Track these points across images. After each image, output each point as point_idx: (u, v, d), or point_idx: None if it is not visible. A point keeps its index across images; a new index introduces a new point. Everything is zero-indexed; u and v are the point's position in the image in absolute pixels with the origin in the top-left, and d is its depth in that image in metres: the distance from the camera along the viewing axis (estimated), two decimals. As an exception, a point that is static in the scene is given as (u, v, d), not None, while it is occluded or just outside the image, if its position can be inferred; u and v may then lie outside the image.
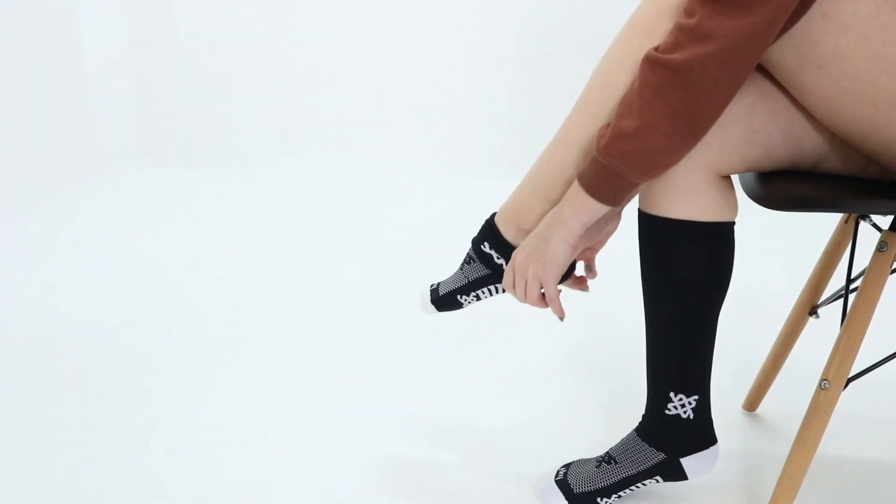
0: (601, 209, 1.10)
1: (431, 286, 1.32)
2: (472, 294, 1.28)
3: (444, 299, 1.30)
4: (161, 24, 3.05)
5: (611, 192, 1.08)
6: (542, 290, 1.19)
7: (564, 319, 1.24)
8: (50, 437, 1.49)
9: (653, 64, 1.01)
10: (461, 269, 1.29)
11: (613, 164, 1.05)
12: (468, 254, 1.29)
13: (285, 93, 3.09)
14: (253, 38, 3.04)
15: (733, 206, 1.17)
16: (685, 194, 1.14)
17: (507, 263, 1.23)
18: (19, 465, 1.42)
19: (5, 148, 2.62)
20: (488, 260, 1.26)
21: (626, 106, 1.04)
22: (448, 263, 2.22)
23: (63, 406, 1.59)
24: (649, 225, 1.18)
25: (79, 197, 2.82)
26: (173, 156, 3.13)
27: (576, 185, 1.11)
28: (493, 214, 1.27)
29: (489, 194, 2.20)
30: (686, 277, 1.17)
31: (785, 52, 1.05)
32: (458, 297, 1.29)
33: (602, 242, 1.25)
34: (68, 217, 2.64)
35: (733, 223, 1.18)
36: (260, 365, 1.75)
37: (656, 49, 1.02)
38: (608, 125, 1.07)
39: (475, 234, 1.29)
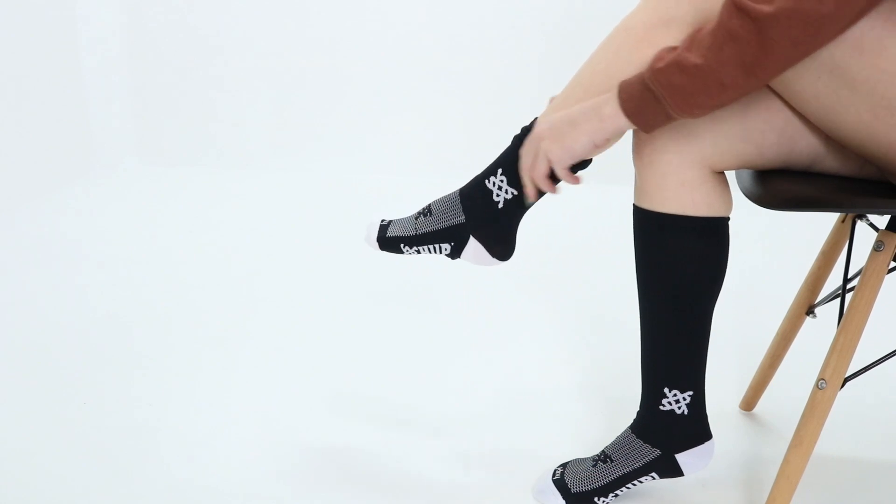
0: (629, 126, 1.08)
1: (382, 221, 1.30)
2: (415, 248, 1.27)
3: (389, 241, 1.28)
4: (158, 21, 3.04)
5: (644, 116, 1.05)
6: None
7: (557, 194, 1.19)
8: (47, 437, 1.49)
9: (738, 9, 0.97)
10: (415, 218, 1.27)
11: (659, 90, 1.02)
12: (428, 207, 1.27)
13: (284, 91, 3.08)
14: (251, 36, 3.04)
15: (727, 201, 1.18)
16: (678, 188, 1.14)
17: (509, 194, 1.21)
18: (18, 464, 1.42)
19: (1, 147, 2.61)
20: (485, 196, 1.21)
21: (696, 42, 1.00)
22: (447, 264, 2.22)
23: (60, 405, 1.59)
24: (643, 219, 1.18)
25: (76, 195, 2.82)
26: (170, 154, 3.12)
27: (614, 94, 1.07)
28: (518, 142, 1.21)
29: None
30: (680, 271, 1.17)
31: None
32: (402, 245, 1.28)
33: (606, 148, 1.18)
34: (65, 215, 2.64)
35: (727, 218, 1.18)
36: (259, 364, 1.75)
37: None
38: (671, 49, 1.04)
39: (466, 182, 1.25)
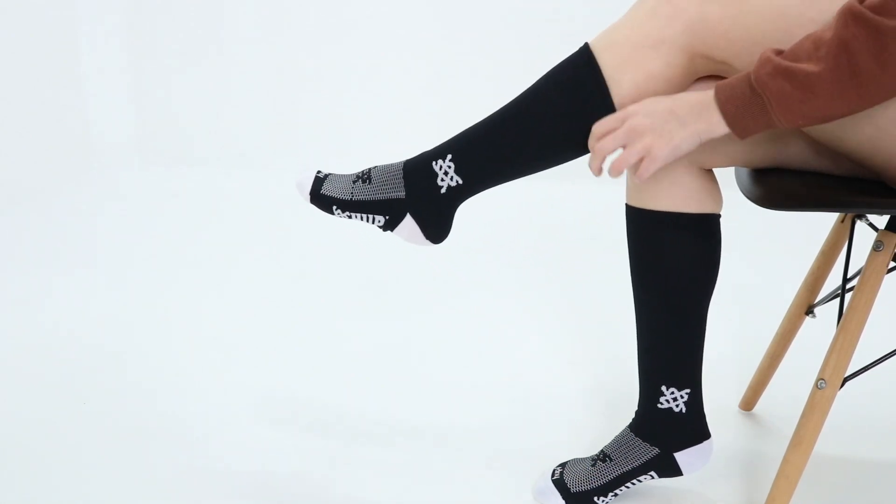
0: (723, 131, 1.02)
1: (318, 174, 1.23)
2: (347, 213, 1.21)
3: (322, 198, 1.21)
4: (158, 21, 3.04)
5: (744, 122, 1.00)
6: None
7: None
8: (47, 437, 1.49)
9: (857, 19, 0.92)
10: (352, 182, 1.21)
11: (767, 96, 0.97)
12: (368, 173, 1.21)
13: (283, 91, 3.08)
14: (251, 36, 3.04)
15: (717, 199, 1.19)
16: (669, 186, 1.15)
17: (454, 181, 1.16)
18: (18, 464, 1.42)
19: (1, 147, 2.61)
20: (429, 178, 1.17)
21: (808, 49, 0.96)
22: (447, 262, 2.22)
23: (60, 405, 1.59)
24: (635, 218, 1.19)
25: (75, 195, 2.82)
26: (170, 154, 3.12)
27: (710, 98, 1.02)
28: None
29: (488, 194, 2.19)
30: (673, 268, 1.18)
31: None
32: (334, 206, 1.21)
33: None
34: (65, 215, 2.64)
35: (718, 216, 1.19)
36: (259, 364, 1.75)
37: (861, 1, 0.94)
38: (776, 52, 0.98)
39: (414, 154, 1.21)
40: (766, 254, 2.31)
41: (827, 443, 1.41)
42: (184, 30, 3.04)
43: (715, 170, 1.22)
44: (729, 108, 1.00)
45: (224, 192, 2.87)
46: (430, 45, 2.99)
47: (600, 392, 1.65)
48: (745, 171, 1.20)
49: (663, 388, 1.24)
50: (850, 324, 1.16)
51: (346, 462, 1.43)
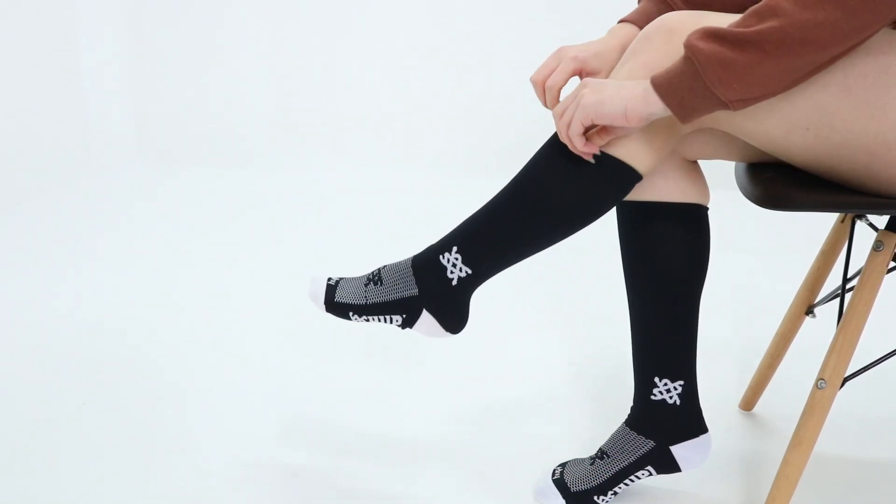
0: (659, 105, 0.99)
1: (329, 281, 1.23)
2: (364, 317, 1.22)
3: (337, 306, 1.22)
4: (158, 21, 3.04)
5: (679, 94, 0.97)
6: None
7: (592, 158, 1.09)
8: (46, 437, 1.49)
9: None
10: (364, 285, 1.22)
11: (698, 59, 0.94)
12: (378, 274, 1.22)
13: (284, 91, 3.08)
14: (251, 36, 3.04)
15: (703, 191, 1.20)
16: (652, 176, 1.17)
17: (463, 272, 1.17)
18: (18, 464, 1.42)
19: (1, 146, 2.61)
20: (438, 272, 1.17)
21: (736, 22, 0.94)
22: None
23: (59, 405, 1.59)
24: (623, 211, 1.21)
25: (75, 195, 2.82)
26: (170, 154, 3.13)
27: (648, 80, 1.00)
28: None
29: (488, 195, 2.19)
30: (661, 258, 1.19)
31: (767, 123, 1.04)
32: (350, 313, 1.22)
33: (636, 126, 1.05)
34: (64, 215, 2.64)
35: (705, 207, 1.21)
36: (259, 365, 1.75)
37: None
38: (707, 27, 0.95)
39: (422, 250, 1.21)
40: (766, 254, 2.31)
41: (827, 443, 1.41)
42: (183, 30, 3.04)
43: (717, 171, 1.22)
44: (661, 80, 0.98)
45: (224, 192, 2.87)
46: (430, 45, 2.99)
47: (600, 392, 1.65)
48: (743, 171, 1.20)
49: (656, 379, 1.24)
50: (850, 324, 1.16)
51: (345, 461, 1.43)
